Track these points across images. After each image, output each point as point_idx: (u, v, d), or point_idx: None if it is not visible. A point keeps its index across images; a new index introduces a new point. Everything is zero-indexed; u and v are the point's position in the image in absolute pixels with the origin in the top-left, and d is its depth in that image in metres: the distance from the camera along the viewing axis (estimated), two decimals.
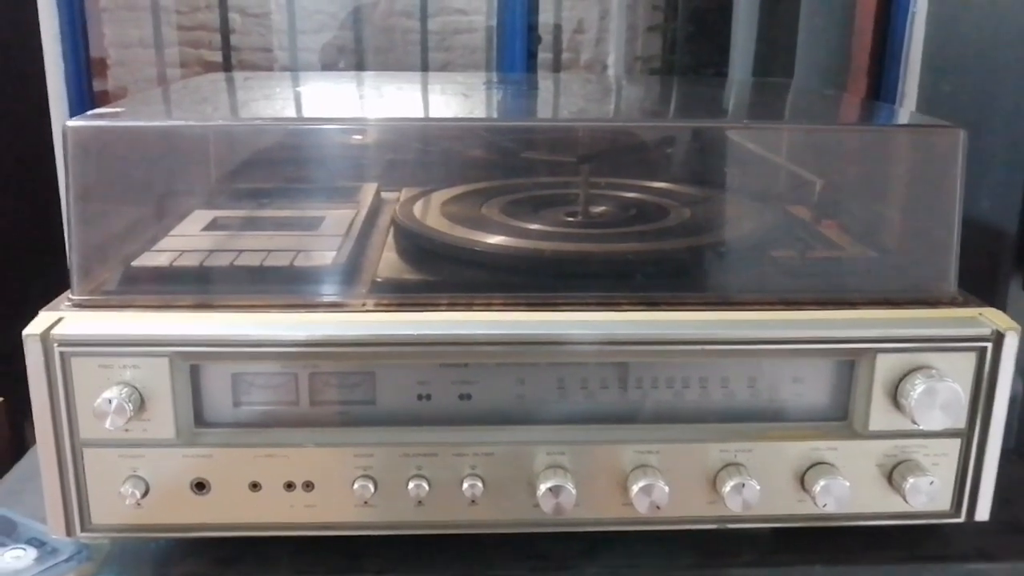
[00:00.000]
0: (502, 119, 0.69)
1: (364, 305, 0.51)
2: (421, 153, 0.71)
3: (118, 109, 0.57)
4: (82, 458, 0.48)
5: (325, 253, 0.56)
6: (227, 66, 1.75)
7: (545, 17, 1.84)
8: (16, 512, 0.55)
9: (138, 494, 0.49)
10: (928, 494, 0.50)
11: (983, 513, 0.52)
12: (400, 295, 0.52)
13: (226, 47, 1.76)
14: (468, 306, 0.51)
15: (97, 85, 1.57)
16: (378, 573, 0.52)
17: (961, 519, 0.52)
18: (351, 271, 0.55)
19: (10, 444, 0.79)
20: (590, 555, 0.54)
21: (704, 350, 0.50)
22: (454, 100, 0.77)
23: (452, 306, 0.51)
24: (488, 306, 0.51)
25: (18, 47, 1.13)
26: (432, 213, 0.63)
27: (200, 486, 0.49)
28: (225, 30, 1.76)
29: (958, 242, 0.53)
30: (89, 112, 0.52)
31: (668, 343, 0.49)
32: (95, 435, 0.48)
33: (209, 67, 1.93)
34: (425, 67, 1.98)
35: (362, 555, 0.53)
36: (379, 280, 0.54)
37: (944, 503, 0.52)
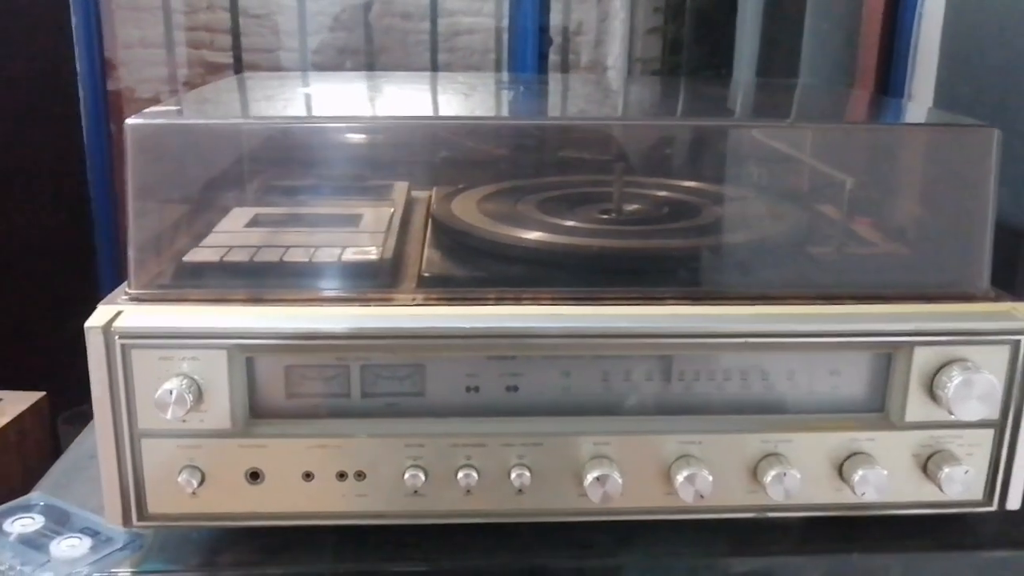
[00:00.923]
0: (535, 118, 0.70)
1: (414, 299, 0.52)
2: (450, 153, 0.72)
3: (173, 108, 0.58)
4: (140, 448, 0.49)
5: (370, 248, 0.57)
6: (238, 67, 1.76)
7: (554, 19, 1.85)
8: (68, 503, 0.56)
9: (195, 483, 0.50)
10: (963, 483, 0.52)
11: (1015, 502, 0.54)
12: (448, 289, 0.54)
13: (237, 47, 1.76)
14: (516, 300, 0.52)
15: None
16: (422, 561, 0.53)
17: (993, 508, 0.54)
18: (397, 266, 0.56)
19: (50, 436, 0.80)
20: (629, 544, 0.55)
21: (745, 343, 0.51)
22: (482, 99, 0.78)
23: (500, 300, 0.52)
24: (536, 301, 0.52)
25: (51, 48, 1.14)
26: (470, 211, 0.64)
27: (255, 476, 0.50)
28: (235, 30, 1.77)
29: (991, 239, 0.54)
30: (147, 111, 0.53)
31: (710, 336, 0.51)
32: (153, 425, 0.49)
33: (212, 67, 1.94)
34: (434, 68, 1.99)
35: (405, 544, 0.54)
36: (426, 275, 0.55)
37: (977, 492, 0.53)
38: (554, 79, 1.50)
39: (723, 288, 0.53)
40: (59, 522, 0.54)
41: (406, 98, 0.82)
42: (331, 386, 0.51)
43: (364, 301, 0.52)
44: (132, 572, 0.52)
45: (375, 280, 0.55)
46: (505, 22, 1.71)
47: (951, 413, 0.51)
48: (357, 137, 0.64)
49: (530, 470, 0.51)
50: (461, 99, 0.80)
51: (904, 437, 0.52)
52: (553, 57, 1.81)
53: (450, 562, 0.53)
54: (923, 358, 0.51)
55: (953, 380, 0.50)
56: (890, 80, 1.37)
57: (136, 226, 0.51)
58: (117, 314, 0.49)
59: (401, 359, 0.51)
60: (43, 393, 0.74)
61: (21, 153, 1.39)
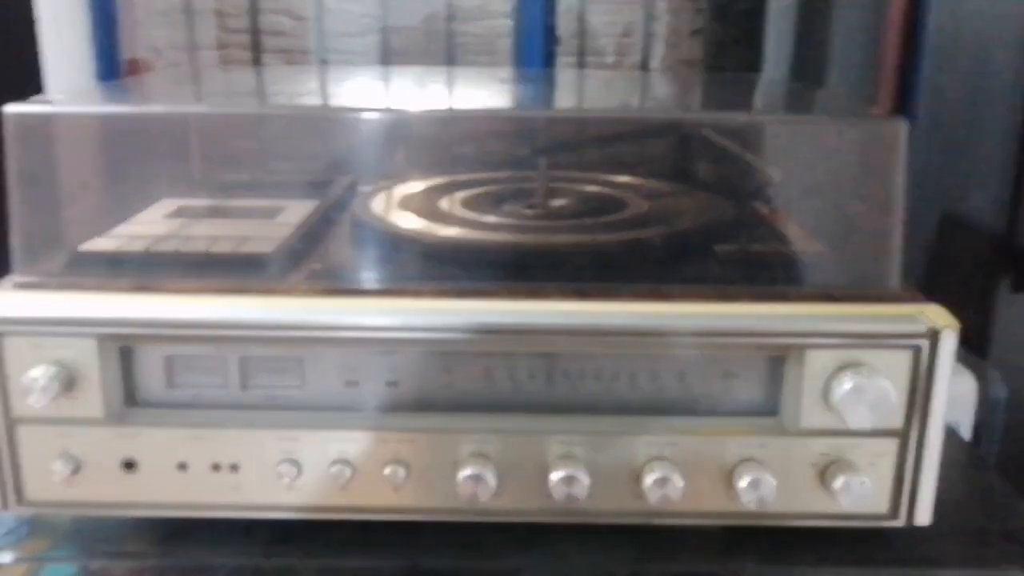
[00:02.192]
0: (459, 110, 0.69)
1: (296, 291, 0.52)
2: (396, 146, 0.72)
3: (58, 96, 0.58)
4: (15, 434, 0.50)
5: (267, 240, 0.57)
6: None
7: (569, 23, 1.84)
8: None
9: (68, 471, 0.50)
10: (859, 495, 0.49)
11: (924, 517, 0.51)
12: (333, 282, 0.53)
13: (256, 48, 1.79)
14: (399, 294, 0.51)
15: None
16: (306, 557, 0.52)
17: (900, 522, 0.51)
18: (291, 259, 0.56)
19: None
20: (524, 547, 0.53)
21: (629, 340, 0.49)
22: (428, 91, 0.78)
23: (382, 293, 0.51)
24: (418, 295, 0.51)
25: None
26: (390, 205, 0.63)
27: (129, 465, 0.50)
28: (255, 28, 1.80)
29: (902, 236, 0.51)
30: (32, 98, 0.53)
31: (595, 333, 0.49)
32: (27, 412, 0.49)
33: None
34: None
35: (292, 538, 0.53)
36: (316, 267, 0.55)
37: (881, 505, 0.50)
38: (537, 74, 1.48)
39: (612, 285, 0.51)
40: None
41: (374, 91, 0.81)
42: (210, 377, 0.51)
43: (249, 291, 0.52)
44: (17, 557, 0.52)
45: (265, 272, 0.55)
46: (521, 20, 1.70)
47: (843, 420, 0.48)
48: (288, 129, 0.64)
49: (407, 466, 0.50)
50: (409, 91, 0.80)
51: (799, 444, 0.50)
52: (568, 58, 1.79)
53: (335, 560, 0.52)
54: (817, 361, 0.48)
55: (843, 386, 0.47)
56: (912, 79, 1.32)
57: (20, 214, 0.51)
58: None
59: (280, 351, 0.51)
60: None
61: None
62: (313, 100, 0.76)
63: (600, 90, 0.82)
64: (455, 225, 0.59)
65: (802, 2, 1.62)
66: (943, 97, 0.73)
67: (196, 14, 1.90)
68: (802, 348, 0.48)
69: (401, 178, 0.70)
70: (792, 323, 0.49)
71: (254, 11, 1.84)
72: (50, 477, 0.50)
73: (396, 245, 0.58)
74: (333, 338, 0.50)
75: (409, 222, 0.60)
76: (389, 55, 1.96)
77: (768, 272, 0.55)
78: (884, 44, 1.35)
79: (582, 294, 0.51)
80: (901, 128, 0.50)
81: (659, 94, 0.84)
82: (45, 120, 0.53)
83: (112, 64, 1.48)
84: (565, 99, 0.79)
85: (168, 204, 0.64)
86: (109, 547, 0.53)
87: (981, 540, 0.54)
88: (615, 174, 0.69)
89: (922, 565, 0.52)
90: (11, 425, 0.50)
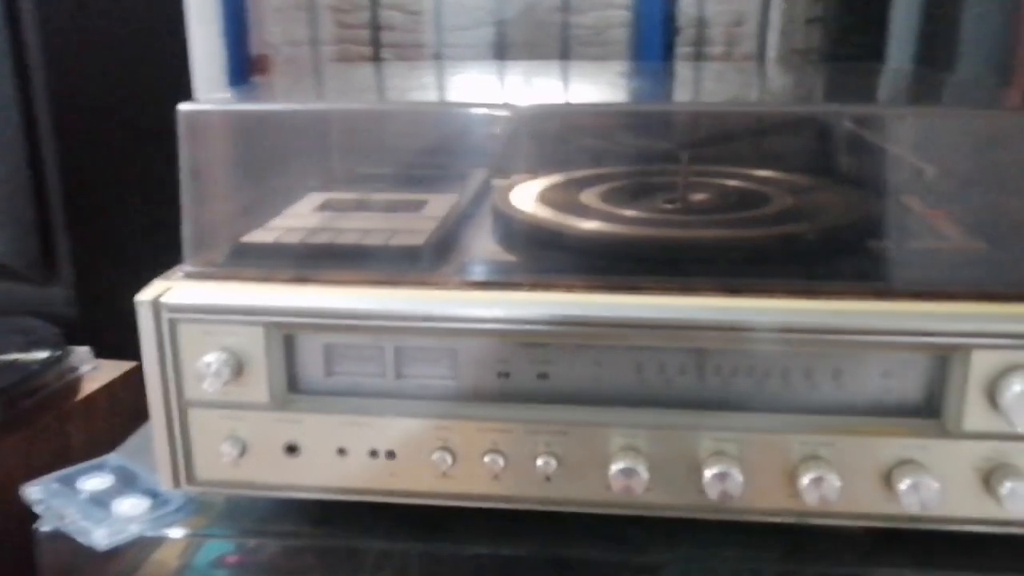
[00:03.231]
0: (604, 104, 0.69)
1: (450, 284, 0.53)
2: (532, 140, 0.72)
3: (227, 95, 0.61)
4: (188, 417, 0.53)
5: (418, 234, 0.58)
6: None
7: (689, 10, 1.81)
8: (140, 466, 0.60)
9: (235, 453, 0.52)
10: None
11: None
12: (486, 276, 0.54)
13: (375, 43, 1.83)
14: (549, 287, 0.52)
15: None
16: (450, 542, 0.54)
17: None
18: (441, 252, 0.57)
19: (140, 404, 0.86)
20: (669, 541, 0.53)
21: (782, 338, 0.49)
22: (571, 86, 0.78)
23: (534, 287, 0.52)
24: (569, 288, 0.52)
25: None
26: (529, 199, 0.64)
27: (291, 449, 0.53)
28: (374, 23, 1.83)
29: None
30: (202, 97, 0.56)
31: (745, 329, 0.49)
32: (198, 396, 0.52)
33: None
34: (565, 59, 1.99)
35: (439, 526, 0.55)
36: (467, 261, 0.56)
37: None
38: (663, 68, 1.47)
39: (766, 281, 0.51)
40: (126, 483, 0.58)
41: (490, 84, 0.82)
42: (367, 366, 0.53)
43: (403, 284, 0.53)
44: (185, 533, 0.55)
45: (418, 264, 0.56)
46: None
47: (1012, 423, 0.46)
48: (428, 123, 0.65)
49: (557, 458, 0.51)
50: (547, 86, 0.80)
51: (962, 447, 0.48)
52: (686, 49, 1.77)
53: (478, 546, 0.53)
54: (983, 362, 0.47)
55: (1012, 388, 0.46)
56: None
57: (192, 208, 0.54)
58: (166, 289, 0.52)
59: (433, 342, 0.52)
60: (135, 363, 0.79)
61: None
62: (450, 95, 0.77)
63: (737, 84, 0.81)
64: (597, 219, 0.60)
65: None
66: None
67: (314, 10, 1.94)
68: (968, 348, 0.47)
69: (534, 172, 0.71)
70: (958, 322, 0.47)
71: (374, 6, 1.87)
72: (218, 459, 0.53)
73: (541, 238, 0.58)
74: (485, 330, 0.51)
75: (552, 215, 0.60)
76: (503, 48, 1.97)
77: (923, 270, 0.54)
78: (1019, 27, 1.29)
79: (733, 290, 0.51)
80: None
81: (801, 86, 0.82)
82: (214, 118, 0.56)
83: (242, 60, 1.54)
84: (705, 93, 0.78)
85: (315, 198, 0.67)
86: (263, 526, 0.56)
87: None
88: (754, 168, 0.68)
89: None
90: (184, 408, 0.52)
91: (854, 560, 0.52)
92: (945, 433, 0.48)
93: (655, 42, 1.49)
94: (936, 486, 0.48)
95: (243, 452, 0.53)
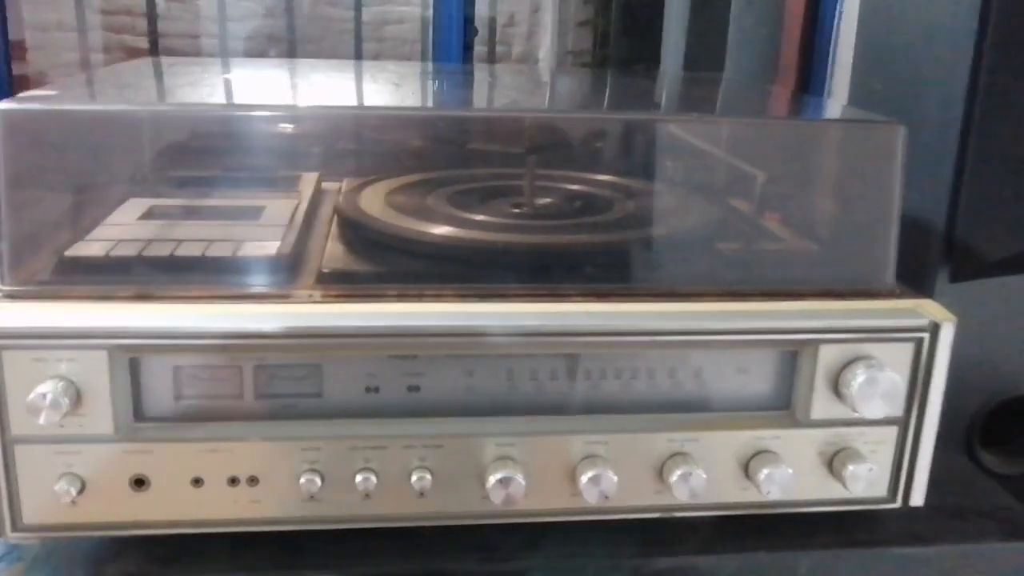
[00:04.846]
0: (448, 109, 0.68)
1: (311, 296, 0.50)
2: (364, 143, 0.70)
3: (51, 92, 0.54)
4: (13, 455, 0.46)
5: (268, 243, 0.55)
6: (154, 52, 1.70)
7: (480, 10, 1.83)
8: None
9: (73, 492, 0.47)
10: (867, 480, 0.52)
11: (918, 499, 0.54)
12: (347, 286, 0.52)
13: (153, 32, 1.71)
14: (418, 297, 0.50)
15: (16, 69, 1.52)
16: (322, 568, 0.51)
17: (897, 504, 0.54)
18: (296, 262, 0.54)
19: None
20: (535, 546, 0.54)
21: (651, 341, 0.50)
22: (396, 89, 0.76)
23: (401, 297, 0.50)
24: (438, 298, 0.51)
25: None
26: (377, 203, 0.62)
27: (139, 483, 0.48)
28: (152, 14, 1.71)
29: (897, 236, 0.54)
30: (21, 95, 0.50)
31: (617, 334, 0.50)
32: (27, 431, 0.46)
33: (132, 52, 1.88)
34: (358, 57, 1.95)
35: (304, 550, 0.52)
36: (326, 271, 0.53)
37: (881, 489, 0.53)
38: (478, 69, 1.48)
39: (630, 285, 0.52)
40: None
41: (318, 85, 0.79)
42: (222, 387, 0.49)
43: (259, 298, 0.50)
44: None
45: (272, 276, 0.53)
46: (430, 11, 1.69)
47: (855, 411, 0.50)
48: (256, 126, 0.61)
49: (432, 472, 0.50)
50: (379, 87, 0.78)
51: (809, 435, 0.52)
52: (480, 48, 1.79)
53: (350, 568, 0.51)
54: (829, 356, 0.51)
55: (857, 378, 0.50)
56: (811, 78, 1.39)
57: (9, 218, 0.48)
58: None
59: (297, 359, 0.49)
60: None
61: None
62: (277, 97, 0.73)
63: (579, 89, 0.83)
64: (451, 224, 0.59)
65: None
66: (872, 88, 0.76)
67: None
68: (816, 343, 0.50)
69: (366, 175, 0.69)
70: (807, 320, 0.51)
71: None
72: (51, 500, 0.47)
73: (397, 245, 0.56)
74: (352, 344, 0.49)
75: (405, 221, 0.59)
76: (281, 42, 1.90)
77: (771, 270, 0.57)
78: (782, 44, 1.41)
79: (601, 295, 0.51)
80: (899, 132, 0.53)
81: (643, 95, 0.85)
82: (40, 117, 0.50)
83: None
84: (548, 100, 0.79)
85: (137, 204, 0.61)
86: (99, 569, 0.50)
87: (959, 516, 0.58)
88: (590, 173, 0.70)
89: (915, 543, 0.55)
90: (8, 445, 0.46)
91: (705, 546, 0.55)
92: (795, 423, 0.52)
93: (451, 41, 1.49)
94: (790, 472, 0.51)
95: (81, 490, 0.47)
